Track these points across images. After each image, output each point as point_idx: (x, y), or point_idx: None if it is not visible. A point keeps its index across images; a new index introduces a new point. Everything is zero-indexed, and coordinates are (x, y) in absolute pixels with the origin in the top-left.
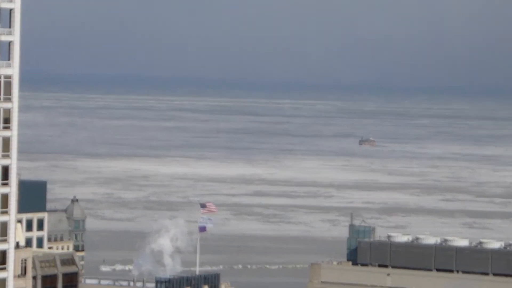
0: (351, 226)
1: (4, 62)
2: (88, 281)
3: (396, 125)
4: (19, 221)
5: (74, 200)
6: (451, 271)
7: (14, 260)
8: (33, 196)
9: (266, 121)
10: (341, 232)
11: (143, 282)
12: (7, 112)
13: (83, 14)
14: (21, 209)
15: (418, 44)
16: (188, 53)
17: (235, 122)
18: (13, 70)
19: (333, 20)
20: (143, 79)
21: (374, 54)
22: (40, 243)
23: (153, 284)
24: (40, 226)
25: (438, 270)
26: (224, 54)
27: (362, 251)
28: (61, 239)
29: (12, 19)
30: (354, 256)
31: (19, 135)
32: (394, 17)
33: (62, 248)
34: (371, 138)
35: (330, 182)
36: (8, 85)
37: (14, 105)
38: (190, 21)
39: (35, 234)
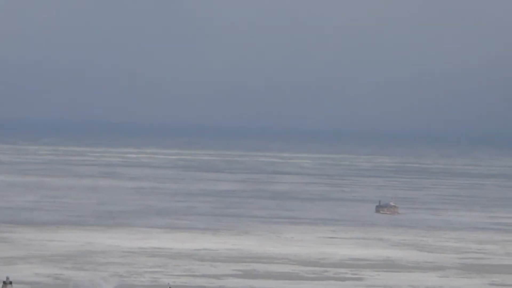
0: None
1: None
2: None
3: (432, 185)
4: None
5: (7, 283)
6: None
7: None
8: None
9: (264, 181)
10: None
11: None
12: None
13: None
14: None
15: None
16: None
17: (224, 182)
18: None
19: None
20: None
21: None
22: None
23: None
24: None
25: None
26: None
27: None
28: None
29: None
30: None
31: None
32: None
33: None
34: (391, 203)
35: (341, 260)
36: None
37: None
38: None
39: None
